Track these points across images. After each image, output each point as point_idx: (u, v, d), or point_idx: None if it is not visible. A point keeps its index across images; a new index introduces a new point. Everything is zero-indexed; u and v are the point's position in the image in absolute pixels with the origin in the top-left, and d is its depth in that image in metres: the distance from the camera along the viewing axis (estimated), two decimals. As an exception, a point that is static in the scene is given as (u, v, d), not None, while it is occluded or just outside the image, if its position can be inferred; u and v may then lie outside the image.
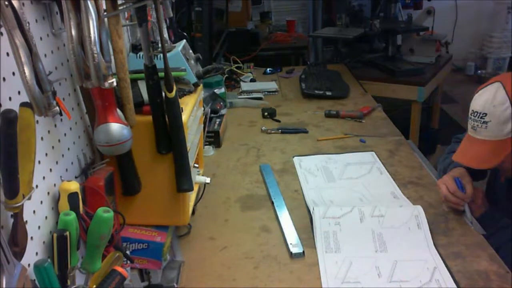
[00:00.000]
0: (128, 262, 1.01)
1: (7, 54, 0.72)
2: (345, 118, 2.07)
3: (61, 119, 0.91)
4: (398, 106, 3.00)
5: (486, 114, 1.24)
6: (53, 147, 0.87)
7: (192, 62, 1.28)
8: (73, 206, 0.82)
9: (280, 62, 3.07)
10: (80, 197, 0.84)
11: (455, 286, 1.07)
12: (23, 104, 0.69)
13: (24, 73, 0.68)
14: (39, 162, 0.80)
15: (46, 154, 0.84)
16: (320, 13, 3.46)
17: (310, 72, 2.62)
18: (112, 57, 0.91)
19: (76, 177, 0.97)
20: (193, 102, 1.21)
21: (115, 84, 0.86)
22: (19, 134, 0.64)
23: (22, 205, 0.68)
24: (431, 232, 1.23)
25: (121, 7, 0.93)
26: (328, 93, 2.36)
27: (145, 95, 1.05)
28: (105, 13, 0.89)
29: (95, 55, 0.80)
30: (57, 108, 0.75)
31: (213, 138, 1.83)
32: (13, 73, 0.73)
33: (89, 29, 0.79)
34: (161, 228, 1.13)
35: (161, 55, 1.01)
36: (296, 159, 1.72)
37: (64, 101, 0.93)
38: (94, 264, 0.86)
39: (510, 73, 1.28)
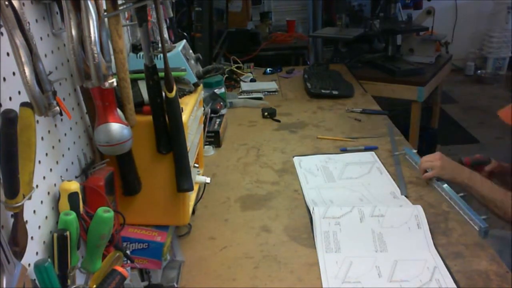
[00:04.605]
0: (128, 261, 1.01)
1: (7, 54, 0.72)
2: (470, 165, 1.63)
3: (62, 119, 0.91)
4: (398, 106, 3.00)
5: None
6: (53, 147, 0.87)
7: (192, 62, 1.28)
8: (73, 206, 0.82)
9: (280, 62, 3.06)
10: (80, 197, 0.84)
11: (455, 286, 1.07)
12: (24, 104, 0.69)
13: (24, 73, 0.68)
14: (39, 162, 0.80)
15: (47, 154, 0.84)
16: (320, 13, 3.46)
17: (312, 72, 2.62)
18: (112, 57, 0.91)
19: (76, 177, 0.97)
20: (193, 102, 1.21)
21: (115, 84, 0.86)
22: (20, 134, 0.64)
23: (22, 205, 0.68)
24: (431, 232, 1.23)
25: (121, 7, 0.93)
26: (335, 92, 2.36)
27: (145, 95, 1.05)
28: (105, 13, 0.89)
29: (95, 55, 0.80)
30: (57, 108, 0.75)
31: (213, 138, 1.84)
32: (13, 73, 0.73)
33: (89, 29, 0.79)
34: (161, 228, 1.13)
35: (161, 55, 1.01)
36: (296, 159, 1.72)
37: (64, 101, 0.93)
38: (94, 264, 0.86)
39: None
